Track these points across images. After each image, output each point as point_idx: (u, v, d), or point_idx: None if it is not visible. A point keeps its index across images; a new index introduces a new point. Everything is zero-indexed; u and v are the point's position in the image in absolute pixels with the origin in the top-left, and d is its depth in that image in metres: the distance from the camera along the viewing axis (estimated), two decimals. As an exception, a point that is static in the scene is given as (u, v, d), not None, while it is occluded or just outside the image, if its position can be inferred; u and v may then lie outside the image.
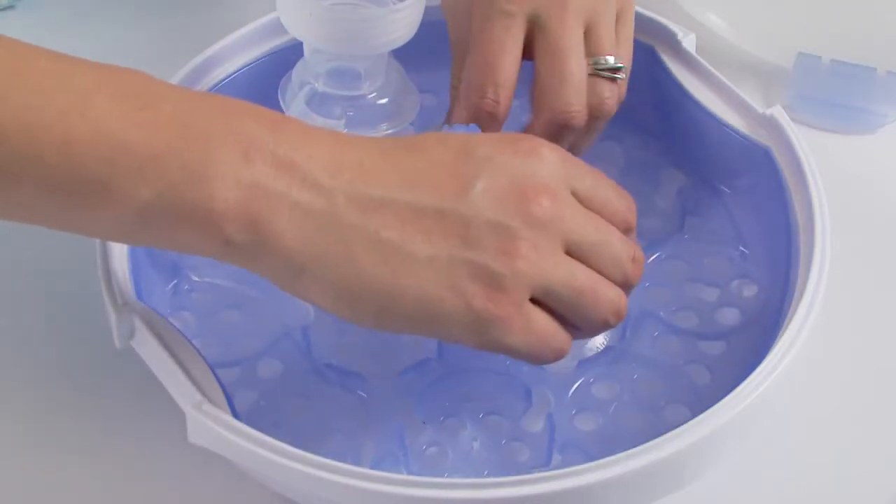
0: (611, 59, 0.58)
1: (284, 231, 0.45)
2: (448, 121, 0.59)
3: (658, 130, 0.65)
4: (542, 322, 0.48)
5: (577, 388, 0.56)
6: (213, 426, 0.47)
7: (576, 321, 0.49)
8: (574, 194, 0.49)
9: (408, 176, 0.47)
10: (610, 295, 0.49)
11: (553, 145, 0.50)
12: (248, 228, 0.44)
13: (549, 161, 0.49)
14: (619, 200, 0.51)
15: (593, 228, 0.49)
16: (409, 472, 0.52)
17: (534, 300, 0.47)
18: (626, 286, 0.50)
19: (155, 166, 0.43)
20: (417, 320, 0.46)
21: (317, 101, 0.57)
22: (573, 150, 0.58)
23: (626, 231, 0.51)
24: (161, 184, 0.43)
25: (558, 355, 0.49)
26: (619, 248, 0.49)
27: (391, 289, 0.46)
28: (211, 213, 0.44)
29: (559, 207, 0.48)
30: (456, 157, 0.48)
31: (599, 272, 0.49)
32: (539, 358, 0.48)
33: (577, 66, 0.57)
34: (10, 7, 0.78)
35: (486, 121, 0.56)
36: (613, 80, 0.58)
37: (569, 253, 0.48)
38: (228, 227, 0.44)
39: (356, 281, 0.46)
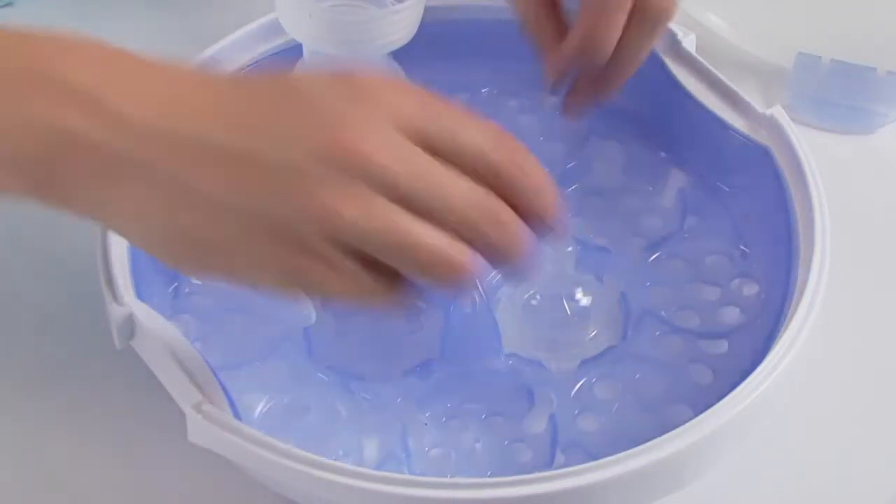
0: None
1: (80, 177, 0.42)
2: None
3: (658, 130, 0.65)
4: (363, 276, 0.43)
5: (579, 388, 0.56)
6: (212, 426, 0.47)
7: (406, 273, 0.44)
8: (425, 141, 0.43)
9: (223, 114, 0.43)
10: (435, 248, 0.42)
11: (395, 83, 0.44)
12: (47, 173, 0.42)
13: (384, 102, 0.43)
14: (494, 151, 0.44)
15: (430, 174, 0.43)
16: (413, 474, 0.52)
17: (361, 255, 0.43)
18: (493, 250, 0.44)
19: None
20: (233, 275, 0.44)
21: (316, 102, 0.57)
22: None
23: (531, 203, 0.44)
24: None
25: (394, 304, 0.45)
26: (461, 199, 0.43)
27: (199, 242, 0.43)
28: (15, 158, 0.42)
29: (377, 153, 0.42)
30: (283, 94, 0.43)
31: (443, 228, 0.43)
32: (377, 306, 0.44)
33: None
34: (10, 4, 0.77)
35: (597, 54, 0.57)
36: None
37: (398, 202, 0.42)
38: (33, 172, 0.42)
39: (163, 230, 0.43)
